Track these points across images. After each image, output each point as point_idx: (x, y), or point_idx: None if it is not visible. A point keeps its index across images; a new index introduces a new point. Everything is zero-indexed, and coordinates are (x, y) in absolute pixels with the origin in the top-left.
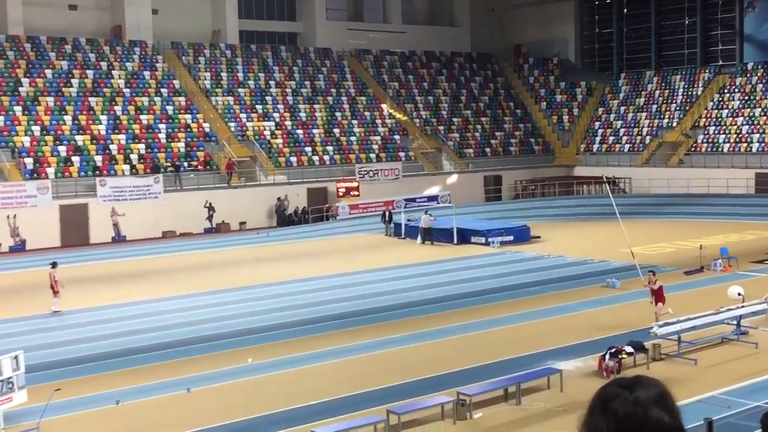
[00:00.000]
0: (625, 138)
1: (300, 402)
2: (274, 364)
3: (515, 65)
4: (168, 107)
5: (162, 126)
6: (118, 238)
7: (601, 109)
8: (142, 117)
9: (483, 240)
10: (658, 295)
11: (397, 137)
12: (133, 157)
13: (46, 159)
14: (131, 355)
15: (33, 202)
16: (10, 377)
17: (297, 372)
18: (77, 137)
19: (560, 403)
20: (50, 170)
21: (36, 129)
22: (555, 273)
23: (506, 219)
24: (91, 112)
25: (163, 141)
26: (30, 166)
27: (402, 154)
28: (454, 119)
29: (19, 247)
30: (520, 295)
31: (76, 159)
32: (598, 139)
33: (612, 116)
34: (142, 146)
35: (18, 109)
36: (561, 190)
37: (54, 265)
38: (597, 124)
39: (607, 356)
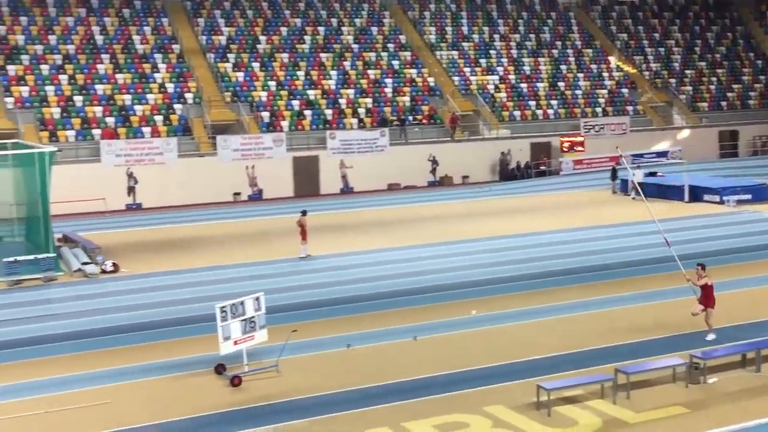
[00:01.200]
0: None
1: (524, 356)
2: (497, 317)
3: (757, 12)
4: (394, 62)
5: (388, 80)
6: (346, 190)
7: None
8: (369, 72)
9: (717, 198)
10: (706, 296)
11: (624, 90)
12: (361, 111)
13: (281, 113)
14: (362, 301)
15: (269, 153)
16: (253, 317)
17: (520, 326)
18: (309, 92)
19: None
20: (284, 123)
21: (272, 84)
22: None
23: (743, 177)
24: (322, 67)
25: (390, 95)
26: (266, 120)
27: (630, 107)
28: (687, 71)
29: (256, 196)
30: (759, 257)
31: (308, 113)
32: None
33: None
34: (369, 100)
35: (256, 65)
36: None
37: (304, 213)
38: None
39: None
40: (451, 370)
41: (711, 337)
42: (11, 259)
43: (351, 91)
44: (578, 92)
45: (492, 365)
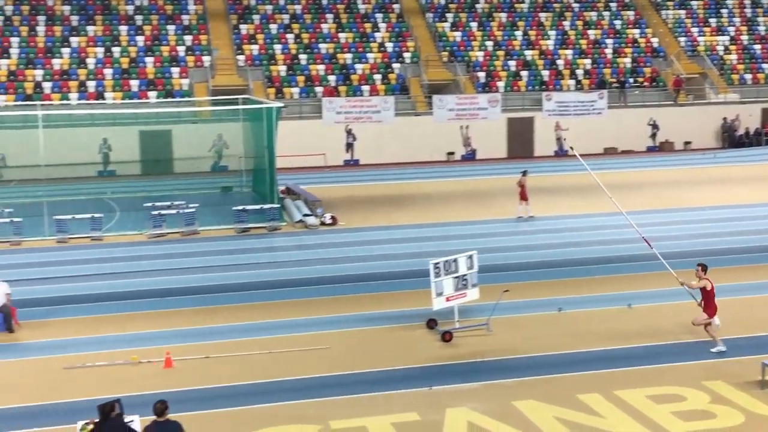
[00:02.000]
0: None
1: (746, 332)
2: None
3: None
4: (616, 22)
5: (609, 41)
6: (561, 153)
7: None
8: (589, 32)
9: None
10: (707, 301)
11: None
12: (579, 72)
13: (497, 73)
14: (576, 265)
15: (484, 114)
16: (465, 275)
17: (741, 300)
18: (526, 52)
19: None
20: (500, 84)
21: (489, 44)
22: None
23: None
24: (541, 27)
25: (610, 56)
26: (482, 80)
27: None
28: None
29: (469, 156)
30: None
31: (524, 73)
32: None
33: None
34: (588, 61)
35: (474, 25)
36: None
37: (524, 173)
38: None
39: None
40: (665, 341)
41: (717, 348)
42: (240, 208)
43: (569, 52)
44: None
45: (710, 339)
